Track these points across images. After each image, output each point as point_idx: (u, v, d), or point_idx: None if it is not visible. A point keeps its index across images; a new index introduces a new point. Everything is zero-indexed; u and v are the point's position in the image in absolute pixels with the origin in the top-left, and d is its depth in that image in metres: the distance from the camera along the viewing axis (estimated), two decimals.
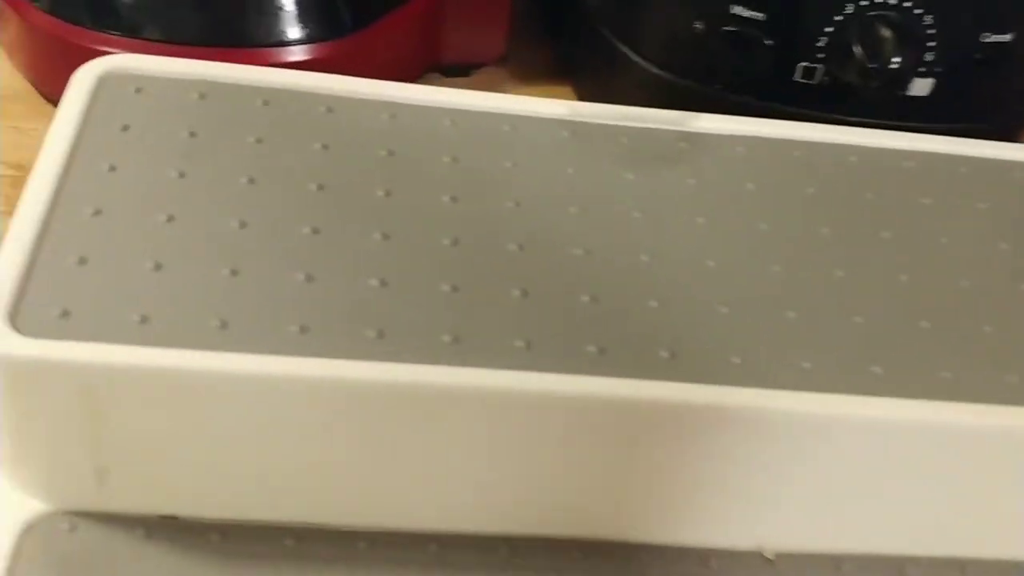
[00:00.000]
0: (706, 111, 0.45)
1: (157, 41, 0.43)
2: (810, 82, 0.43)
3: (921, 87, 0.43)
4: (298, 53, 0.45)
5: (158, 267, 0.28)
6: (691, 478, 0.29)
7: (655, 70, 0.45)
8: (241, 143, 0.31)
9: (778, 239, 0.32)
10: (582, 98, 0.50)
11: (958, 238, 0.34)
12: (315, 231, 0.29)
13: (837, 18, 0.42)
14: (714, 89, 0.44)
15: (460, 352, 0.27)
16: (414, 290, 0.28)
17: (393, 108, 0.33)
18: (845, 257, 0.32)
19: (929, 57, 0.42)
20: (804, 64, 0.43)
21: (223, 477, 0.29)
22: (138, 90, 0.32)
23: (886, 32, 0.41)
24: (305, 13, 0.45)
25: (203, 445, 0.28)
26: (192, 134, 0.31)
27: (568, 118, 0.34)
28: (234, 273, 0.28)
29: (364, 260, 0.29)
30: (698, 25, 0.43)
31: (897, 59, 0.41)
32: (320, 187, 0.30)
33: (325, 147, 0.31)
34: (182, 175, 0.30)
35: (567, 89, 0.51)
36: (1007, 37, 0.43)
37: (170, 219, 0.29)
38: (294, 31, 0.45)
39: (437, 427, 0.28)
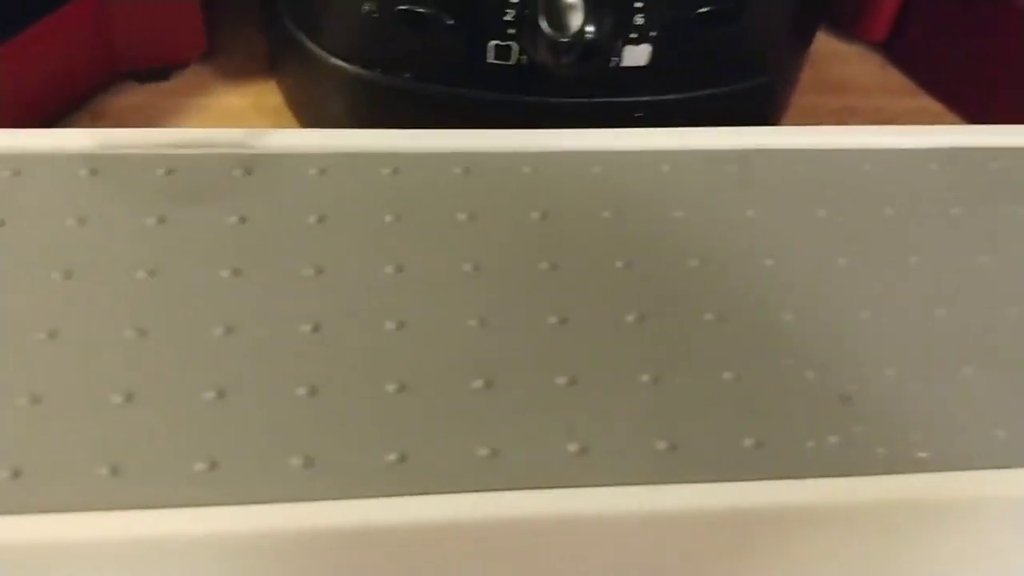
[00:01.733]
0: (397, 105, 0.39)
1: None
2: (506, 63, 0.37)
3: (637, 56, 0.37)
4: None
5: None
6: None
7: (338, 62, 0.39)
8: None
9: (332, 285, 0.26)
10: (286, 97, 0.44)
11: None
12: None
13: None
14: (403, 79, 0.38)
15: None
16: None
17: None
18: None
19: (639, 21, 0.36)
20: (495, 43, 0.37)
21: None
22: None
23: (571, 0, 0.35)
24: None
25: None
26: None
27: (91, 152, 0.27)
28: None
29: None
30: (370, 7, 0.37)
31: (591, 29, 0.35)
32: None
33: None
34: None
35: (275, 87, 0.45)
36: None
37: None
38: None
39: None
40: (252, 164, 0.27)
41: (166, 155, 0.27)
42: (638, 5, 0.36)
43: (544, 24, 0.35)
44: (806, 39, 0.42)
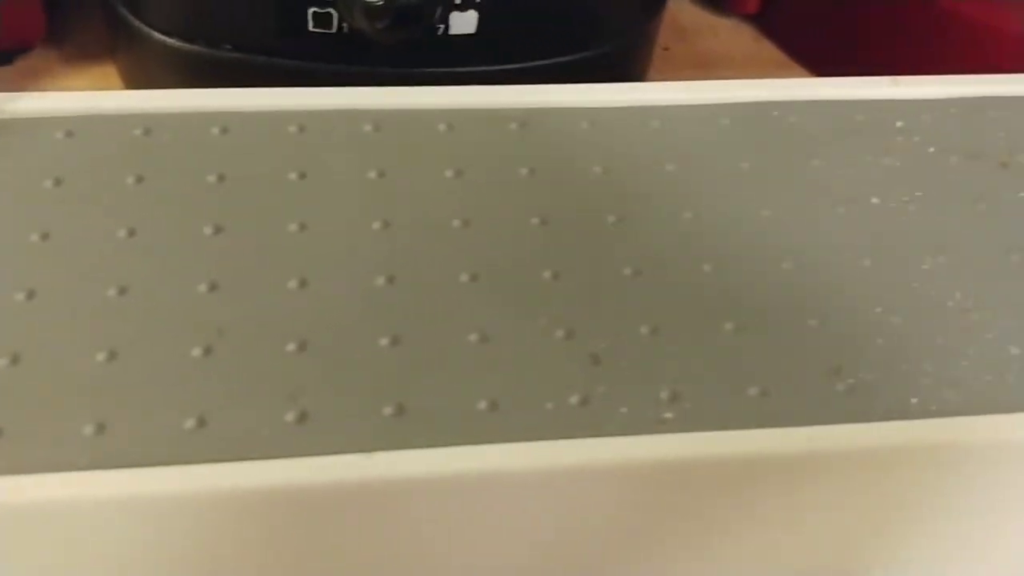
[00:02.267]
0: (224, 78, 0.37)
1: None
2: (328, 31, 0.36)
3: (464, 23, 0.36)
4: None
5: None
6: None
7: (159, 36, 0.37)
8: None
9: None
10: (123, 79, 0.42)
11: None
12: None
13: None
14: (224, 51, 0.37)
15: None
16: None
17: None
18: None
19: None
20: (315, 10, 0.35)
21: None
22: None
23: None
24: None
25: None
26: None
27: None
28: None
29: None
30: None
31: None
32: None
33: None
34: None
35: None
36: None
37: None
38: None
39: None
40: None
41: None
42: None
43: None
44: (652, 6, 0.41)
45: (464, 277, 0.25)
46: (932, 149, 0.28)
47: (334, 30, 0.36)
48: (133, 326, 0.23)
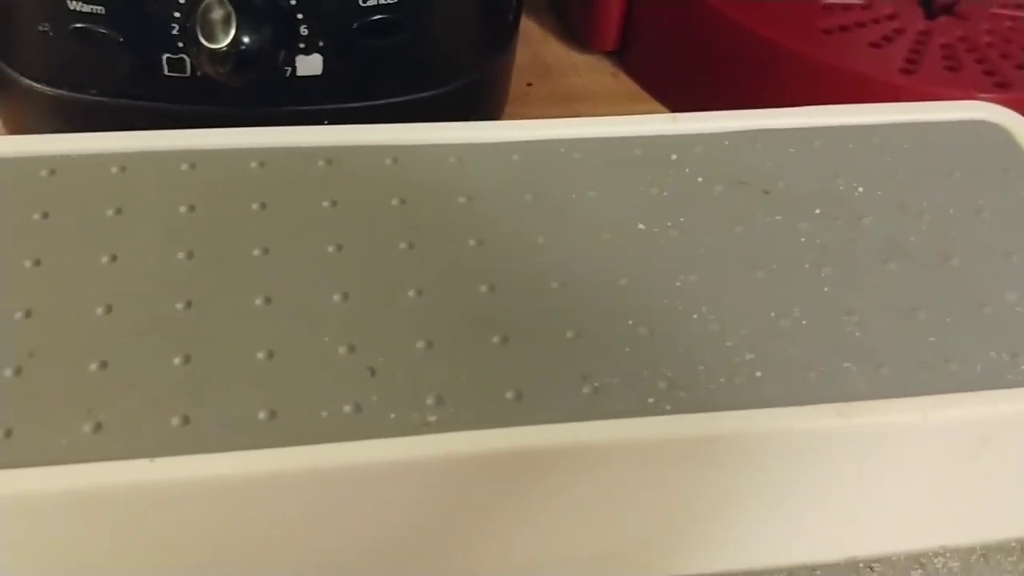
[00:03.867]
0: (89, 121, 0.40)
1: None
2: (182, 75, 0.38)
3: (310, 66, 0.39)
4: None
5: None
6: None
7: (27, 82, 0.40)
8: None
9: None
10: (3, 121, 0.45)
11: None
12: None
13: (181, 2, 0.37)
14: (89, 95, 0.39)
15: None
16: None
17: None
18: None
19: (304, 32, 0.38)
20: (168, 56, 0.38)
21: None
22: None
23: (222, 11, 0.36)
24: None
25: None
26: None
27: None
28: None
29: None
30: (45, 27, 0.38)
31: (246, 39, 0.36)
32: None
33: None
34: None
35: None
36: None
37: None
38: None
39: None
40: None
41: None
42: (299, 16, 0.37)
43: (200, 35, 0.36)
44: (499, 47, 0.44)
45: (259, 300, 0.27)
46: (700, 179, 0.31)
47: (188, 74, 0.38)
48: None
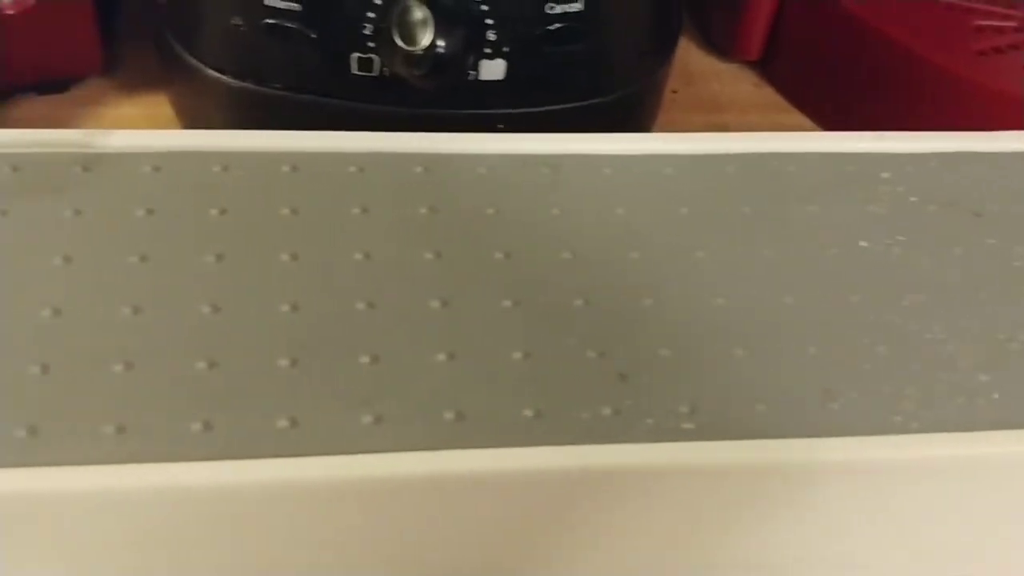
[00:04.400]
0: (271, 114, 0.41)
1: None
2: (369, 74, 0.39)
3: (492, 70, 0.39)
4: None
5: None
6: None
7: (213, 74, 0.41)
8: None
9: (147, 282, 0.28)
10: (175, 108, 0.46)
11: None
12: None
13: (377, 3, 0.38)
14: (274, 90, 0.40)
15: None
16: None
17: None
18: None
19: (491, 37, 0.39)
20: (358, 56, 0.39)
21: None
22: None
23: (422, 14, 0.37)
24: None
25: None
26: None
27: None
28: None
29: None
30: (238, 21, 0.39)
31: (441, 43, 0.37)
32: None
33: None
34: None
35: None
36: (577, 6, 0.39)
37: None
38: None
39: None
40: (90, 162, 0.29)
41: (12, 153, 0.29)
42: (489, 22, 0.38)
43: (397, 38, 0.37)
44: (664, 55, 0.45)
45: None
46: (914, 199, 0.31)
47: (375, 74, 0.39)
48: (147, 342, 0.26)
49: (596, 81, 0.42)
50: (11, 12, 0.43)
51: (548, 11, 0.39)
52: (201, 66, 0.41)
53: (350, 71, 0.39)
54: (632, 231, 0.30)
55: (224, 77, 0.41)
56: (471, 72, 0.39)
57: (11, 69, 0.45)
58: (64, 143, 0.29)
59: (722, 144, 0.33)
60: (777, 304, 0.28)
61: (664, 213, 0.31)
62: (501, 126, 0.41)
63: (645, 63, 0.44)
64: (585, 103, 0.42)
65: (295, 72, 0.40)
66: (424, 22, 0.37)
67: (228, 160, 0.30)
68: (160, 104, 0.47)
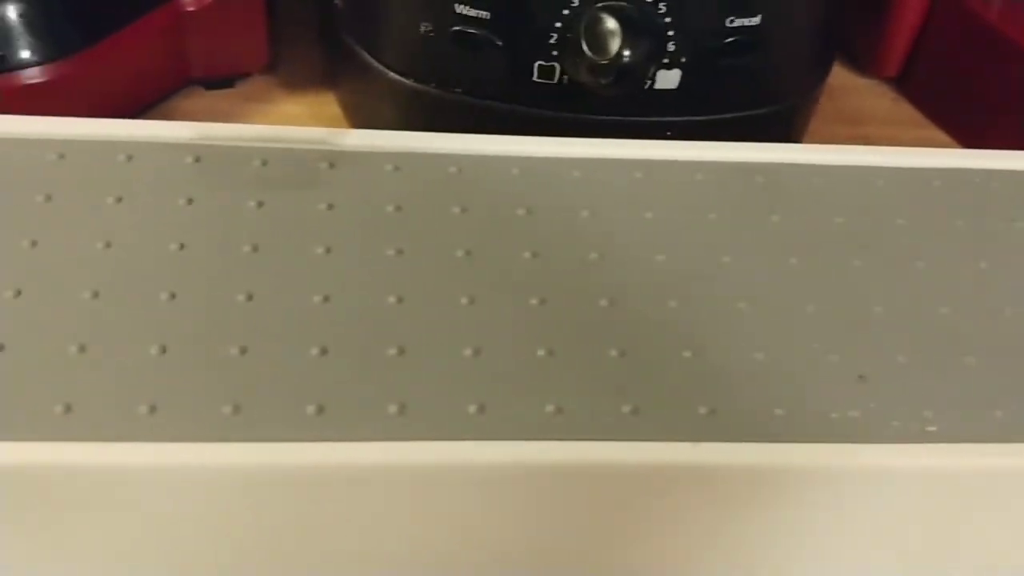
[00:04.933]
0: (449, 117, 0.42)
1: None
2: (549, 81, 0.41)
3: (668, 80, 0.41)
4: (21, 78, 0.43)
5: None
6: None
7: (394, 76, 0.42)
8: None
9: (410, 265, 0.30)
10: (343, 107, 0.47)
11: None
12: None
13: (564, 12, 0.39)
14: (454, 94, 0.42)
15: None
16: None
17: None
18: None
19: (671, 48, 0.40)
20: (540, 63, 0.40)
21: None
22: None
23: (613, 25, 0.38)
24: (24, 33, 0.43)
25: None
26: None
27: (192, 142, 0.31)
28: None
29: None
30: (426, 26, 0.40)
31: (628, 53, 0.38)
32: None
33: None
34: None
35: (333, 98, 0.48)
36: (755, 20, 0.40)
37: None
38: (14, 54, 0.42)
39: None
40: (335, 159, 0.31)
41: (260, 148, 0.30)
42: (670, 33, 0.39)
43: (585, 47, 0.38)
44: (823, 70, 0.46)
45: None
46: None
47: (554, 81, 0.40)
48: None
49: (761, 92, 0.43)
50: (191, 8, 0.45)
51: (728, 24, 0.40)
52: (383, 68, 0.42)
53: (531, 78, 0.40)
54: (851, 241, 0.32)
55: (408, 81, 0.42)
56: (649, 81, 0.40)
57: (183, 64, 0.47)
58: (309, 140, 0.31)
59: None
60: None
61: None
62: (669, 133, 0.42)
63: (807, 76, 0.45)
64: (749, 113, 0.43)
65: (477, 77, 0.41)
66: (613, 32, 0.38)
67: (462, 162, 0.32)
68: (323, 103, 0.48)
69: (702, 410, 0.27)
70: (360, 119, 0.46)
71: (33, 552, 0.27)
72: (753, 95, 0.43)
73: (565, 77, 0.40)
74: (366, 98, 0.45)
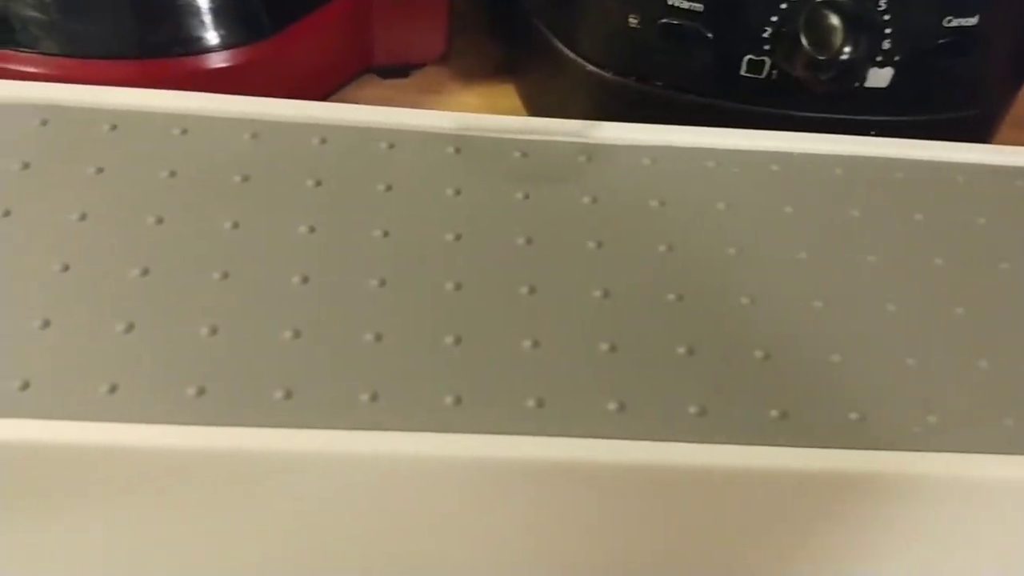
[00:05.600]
0: (647, 110, 0.41)
1: (57, 55, 0.41)
2: (757, 76, 0.40)
3: (879, 78, 0.40)
4: (214, 61, 0.43)
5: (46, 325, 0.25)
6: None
7: (592, 68, 0.42)
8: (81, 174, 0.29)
9: (679, 259, 0.29)
10: (524, 98, 0.47)
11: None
12: (144, 272, 0.27)
13: (783, 6, 0.38)
14: (655, 87, 0.41)
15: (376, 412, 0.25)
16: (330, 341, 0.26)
17: (255, 126, 0.30)
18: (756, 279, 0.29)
19: (886, 46, 0.39)
20: (750, 57, 0.39)
21: None
22: None
23: (835, 21, 0.37)
24: (218, 17, 0.42)
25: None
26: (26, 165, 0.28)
27: (455, 132, 0.31)
28: (129, 328, 0.26)
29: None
30: (633, 19, 0.40)
31: (848, 49, 0.37)
32: (159, 220, 0.28)
33: (173, 173, 0.29)
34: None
35: (510, 89, 0.48)
36: (972, 21, 0.39)
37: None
38: (208, 37, 0.42)
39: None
40: (592, 152, 0.30)
41: (518, 139, 0.30)
42: (888, 31, 0.38)
43: (805, 42, 0.37)
44: (1022, 73, 0.45)
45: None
46: None
47: (763, 76, 0.40)
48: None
49: (967, 94, 0.42)
50: None
51: (945, 24, 0.39)
52: (579, 59, 0.42)
53: (739, 72, 0.40)
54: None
55: (606, 73, 0.41)
56: (861, 79, 0.40)
57: (367, 51, 0.46)
58: (563, 132, 0.30)
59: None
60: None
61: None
62: (874, 132, 0.41)
63: (1009, 79, 0.44)
64: (953, 115, 0.42)
65: (681, 71, 0.40)
66: (835, 28, 0.37)
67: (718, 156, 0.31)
68: (499, 94, 0.48)
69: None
70: (545, 110, 0.45)
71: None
72: (959, 96, 0.42)
73: (774, 72, 0.39)
74: (554, 89, 0.44)
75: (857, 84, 0.40)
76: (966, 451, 0.26)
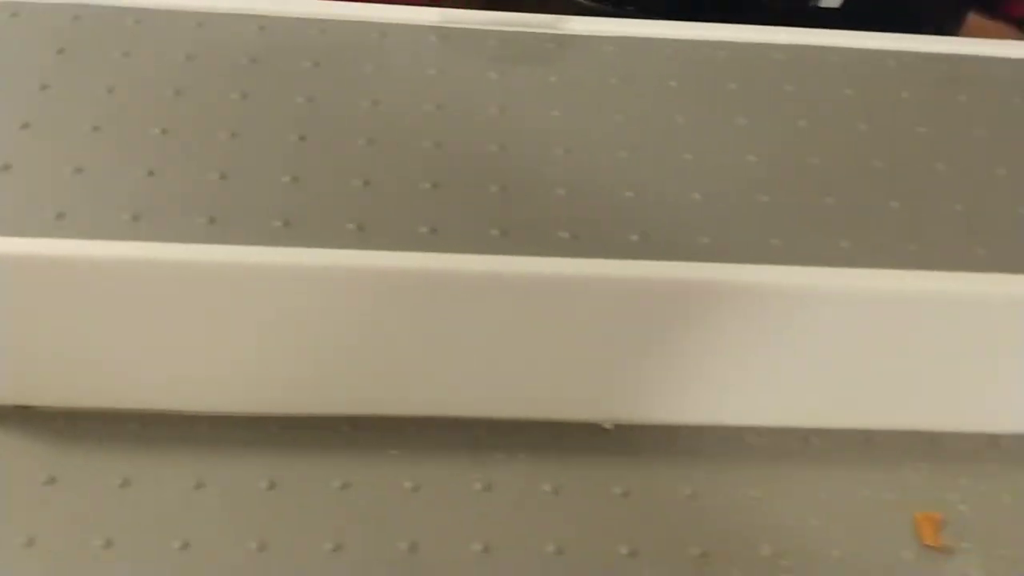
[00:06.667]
0: None
1: None
2: None
3: None
4: None
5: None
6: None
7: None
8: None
9: (634, 128, 0.33)
10: None
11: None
12: (164, 132, 0.31)
13: None
14: (627, 11, 0.44)
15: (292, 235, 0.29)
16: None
17: (262, 21, 0.34)
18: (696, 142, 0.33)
19: None
20: None
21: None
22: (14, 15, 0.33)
23: None
24: None
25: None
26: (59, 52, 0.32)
27: (439, 24, 0.34)
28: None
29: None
30: None
31: None
32: (177, 92, 0.32)
33: (190, 57, 0.33)
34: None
35: None
36: None
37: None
38: None
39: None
40: (561, 40, 0.35)
41: (495, 30, 0.34)
42: None
43: None
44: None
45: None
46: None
47: None
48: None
49: (919, 15, 0.45)
50: None
51: None
52: None
53: None
54: None
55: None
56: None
57: None
58: (539, 24, 0.34)
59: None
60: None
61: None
62: None
63: (956, 10, 0.47)
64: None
65: None
66: None
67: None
68: None
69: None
70: None
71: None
72: (911, 17, 0.45)
73: None
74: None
75: (811, 3, 0.43)
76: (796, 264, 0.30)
